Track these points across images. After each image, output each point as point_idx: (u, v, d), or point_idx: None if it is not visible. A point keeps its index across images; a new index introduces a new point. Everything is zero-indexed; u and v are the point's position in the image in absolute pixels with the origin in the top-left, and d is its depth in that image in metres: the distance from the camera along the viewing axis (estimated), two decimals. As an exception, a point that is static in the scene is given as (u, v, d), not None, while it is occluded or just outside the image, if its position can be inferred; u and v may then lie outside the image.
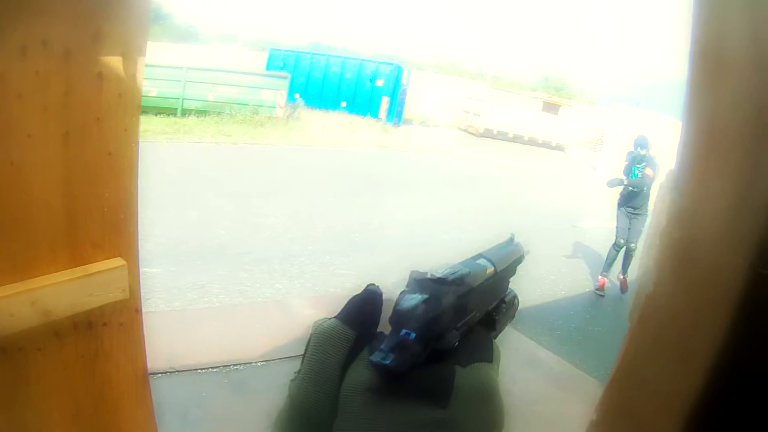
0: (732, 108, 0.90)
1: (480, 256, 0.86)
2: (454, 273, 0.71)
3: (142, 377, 1.85)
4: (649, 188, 7.30)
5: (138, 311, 1.80)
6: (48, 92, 1.44)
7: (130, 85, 1.65)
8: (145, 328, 1.84)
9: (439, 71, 38.64)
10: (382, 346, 0.69)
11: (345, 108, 22.19)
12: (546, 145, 25.10)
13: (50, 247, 1.52)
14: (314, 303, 5.64)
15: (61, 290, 1.50)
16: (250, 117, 16.34)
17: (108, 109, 1.59)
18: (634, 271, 7.57)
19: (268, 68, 22.17)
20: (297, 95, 19.79)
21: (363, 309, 0.81)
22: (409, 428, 0.68)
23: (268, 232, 7.69)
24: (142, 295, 1.83)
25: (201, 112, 15.96)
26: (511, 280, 0.95)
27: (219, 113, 16.08)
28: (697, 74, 0.97)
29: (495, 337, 0.86)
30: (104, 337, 1.69)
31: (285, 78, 18.04)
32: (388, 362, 0.67)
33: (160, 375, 3.78)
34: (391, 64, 23.29)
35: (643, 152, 7.20)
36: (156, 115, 14.24)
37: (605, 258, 7.80)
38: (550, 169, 19.34)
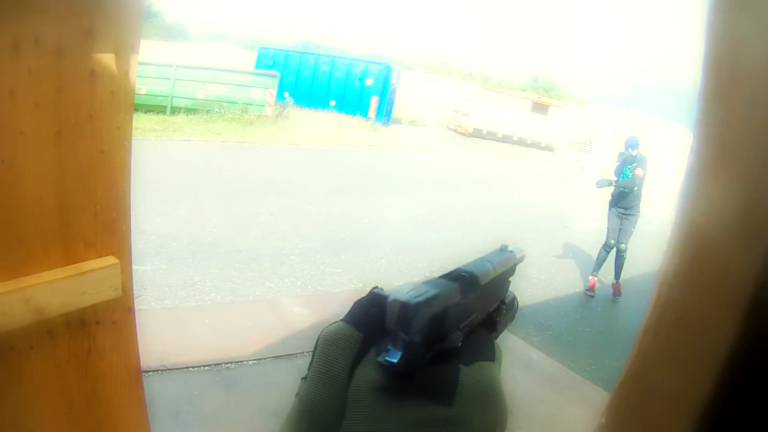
0: (745, 119, 0.91)
1: (480, 260, 0.87)
2: (455, 275, 0.73)
3: (135, 375, 1.85)
4: (640, 189, 7.32)
5: (131, 309, 1.80)
6: (40, 89, 1.43)
7: (123, 83, 1.64)
8: (137, 326, 1.83)
9: (429, 71, 38.70)
10: (390, 347, 0.70)
11: (334, 107, 22.19)
12: (535, 145, 25.22)
13: (43, 245, 1.51)
14: (305, 302, 5.64)
15: (53, 288, 1.50)
16: (239, 115, 16.28)
17: (101, 106, 1.59)
18: (626, 271, 7.62)
19: (257, 67, 22.14)
20: (286, 94, 19.76)
21: (369, 311, 0.80)
22: (417, 426, 0.69)
23: (258, 231, 7.68)
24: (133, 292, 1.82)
25: (190, 110, 15.89)
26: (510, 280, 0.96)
27: (208, 111, 16.03)
28: (710, 84, 0.97)
29: (495, 338, 0.88)
30: (97, 336, 1.68)
31: (274, 77, 17.99)
32: (395, 362, 0.68)
33: (151, 373, 3.76)
34: (381, 63, 23.32)
35: (634, 153, 7.21)
36: (145, 112, 14.16)
37: (595, 258, 7.82)
38: (540, 169, 19.42)
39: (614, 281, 7.66)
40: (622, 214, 7.46)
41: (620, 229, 7.48)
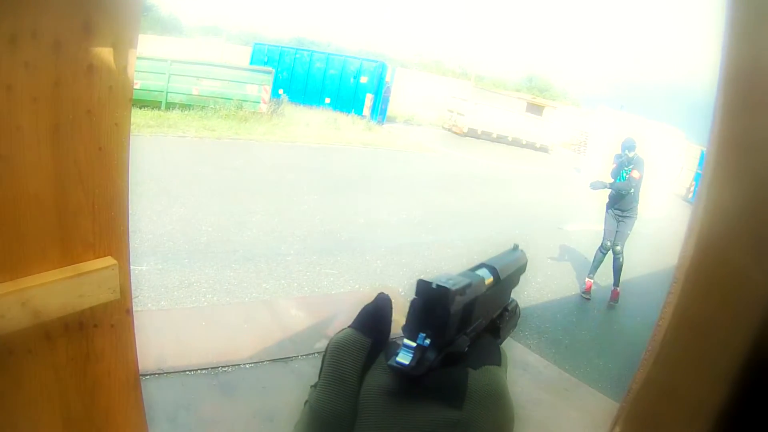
0: (762, 128, 0.89)
1: (482, 265, 0.84)
2: (459, 283, 0.70)
3: (134, 379, 1.81)
4: (637, 191, 7.29)
5: (129, 312, 1.76)
6: (38, 84, 1.39)
7: (122, 78, 1.60)
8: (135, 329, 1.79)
9: (423, 69, 38.82)
10: (399, 351, 0.70)
11: (329, 104, 22.21)
12: (530, 146, 25.30)
13: (40, 245, 1.46)
14: (302, 304, 5.62)
15: (51, 290, 1.45)
16: (234, 112, 16.26)
17: (98, 102, 1.54)
18: (625, 273, 7.62)
19: (251, 63, 22.13)
20: (281, 91, 19.74)
21: (376, 317, 0.81)
22: (427, 428, 0.69)
23: (254, 230, 7.64)
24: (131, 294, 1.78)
25: (185, 106, 15.86)
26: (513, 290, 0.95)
27: (203, 107, 16.01)
28: (727, 97, 0.95)
29: (499, 344, 0.87)
30: (95, 339, 1.64)
31: (269, 73, 17.95)
32: (406, 365, 0.68)
33: (148, 376, 3.73)
34: (376, 61, 23.38)
35: (630, 154, 7.19)
36: (140, 108, 14.13)
37: (592, 261, 7.80)
38: (534, 170, 19.46)
39: (613, 287, 7.62)
40: (619, 216, 7.44)
41: (617, 231, 7.45)
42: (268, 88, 17.58)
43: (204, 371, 4.12)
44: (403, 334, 0.70)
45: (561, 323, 6.69)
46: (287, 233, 7.80)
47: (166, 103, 15.67)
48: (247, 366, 4.32)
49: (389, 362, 0.71)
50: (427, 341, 0.69)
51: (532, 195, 14.49)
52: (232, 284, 5.85)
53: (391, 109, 24.51)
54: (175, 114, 15.24)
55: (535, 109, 27.95)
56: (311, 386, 0.83)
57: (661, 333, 1.07)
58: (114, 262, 1.64)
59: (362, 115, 21.53)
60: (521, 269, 0.95)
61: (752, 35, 0.91)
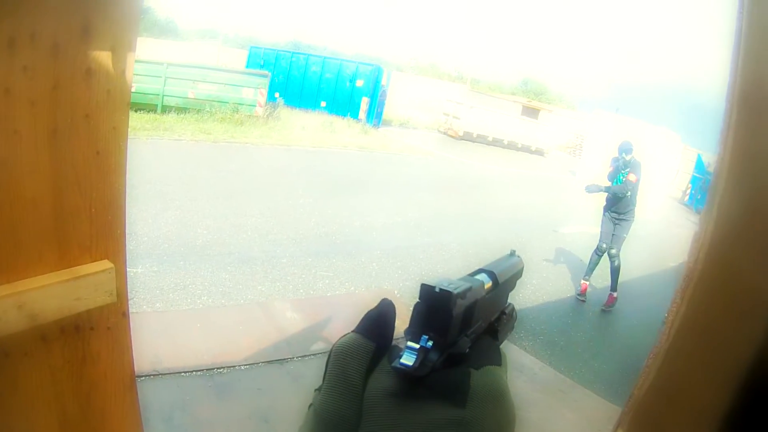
0: None
1: (481, 270, 0.87)
2: (460, 287, 0.72)
3: (130, 382, 1.81)
4: (634, 194, 7.28)
5: (125, 315, 1.76)
6: (36, 87, 1.39)
7: (120, 82, 1.60)
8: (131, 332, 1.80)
9: (419, 73, 38.90)
10: (403, 353, 0.71)
11: (325, 108, 22.22)
12: (525, 149, 25.37)
13: (37, 248, 1.46)
14: (297, 306, 5.62)
15: (48, 293, 1.45)
16: (230, 115, 16.25)
17: (96, 105, 1.54)
18: (624, 274, 7.62)
19: (248, 66, 22.14)
20: (277, 94, 19.75)
21: (379, 321, 0.83)
22: (431, 428, 0.70)
23: (249, 233, 7.64)
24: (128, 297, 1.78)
25: (181, 109, 15.84)
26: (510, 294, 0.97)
27: (199, 111, 15.99)
28: (736, 109, 0.96)
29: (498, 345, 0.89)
30: (91, 342, 1.64)
31: (265, 76, 17.94)
32: (410, 366, 0.70)
33: (144, 378, 3.72)
34: (371, 64, 23.35)
35: (627, 158, 7.18)
36: (136, 111, 14.09)
37: (587, 263, 7.81)
38: (530, 173, 19.51)
39: (610, 292, 7.60)
40: (616, 218, 7.43)
41: (613, 235, 7.45)
42: (264, 92, 17.57)
43: (199, 373, 4.12)
44: (404, 337, 0.72)
45: (556, 325, 6.71)
46: (283, 236, 7.80)
47: (162, 106, 15.64)
48: (243, 368, 4.32)
49: (393, 364, 0.72)
50: (430, 343, 0.71)
51: (528, 198, 14.52)
52: (227, 286, 5.85)
53: (387, 113, 24.55)
54: (171, 117, 15.22)
55: (531, 112, 28.05)
56: (315, 390, 0.84)
57: (667, 339, 1.08)
58: (111, 265, 1.64)
59: (358, 119, 21.56)
60: (518, 274, 0.98)
61: (762, 49, 0.92)
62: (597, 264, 7.66)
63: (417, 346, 0.71)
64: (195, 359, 4.23)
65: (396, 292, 6.40)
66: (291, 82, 22.53)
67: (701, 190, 18.99)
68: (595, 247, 7.65)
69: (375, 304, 0.84)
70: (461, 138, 24.37)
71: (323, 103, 22.46)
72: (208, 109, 16.12)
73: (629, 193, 7.20)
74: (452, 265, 7.89)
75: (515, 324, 0.96)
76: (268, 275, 6.36)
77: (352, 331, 0.83)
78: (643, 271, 9.01)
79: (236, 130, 15.42)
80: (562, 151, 27.92)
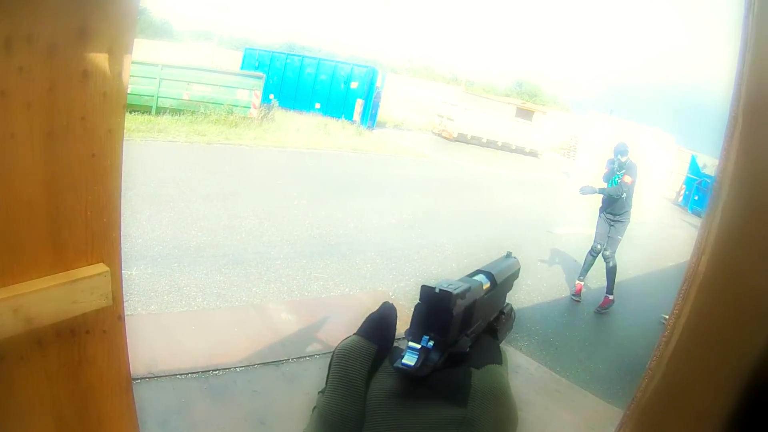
0: None
1: (479, 271, 0.89)
2: (460, 287, 0.74)
3: (126, 385, 1.80)
4: (629, 195, 7.29)
5: (121, 318, 1.75)
6: (32, 89, 1.38)
7: (116, 84, 1.59)
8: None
9: (413, 75, 38.95)
10: (405, 353, 0.72)
11: (319, 110, 22.21)
12: (519, 150, 25.41)
13: (33, 252, 1.46)
14: (291, 307, 5.61)
15: (43, 297, 1.44)
16: (224, 117, 16.22)
17: (92, 108, 1.54)
18: (618, 274, 7.63)
19: (242, 67, 22.12)
20: (272, 96, 19.72)
21: (381, 324, 0.84)
22: (433, 427, 0.71)
23: (243, 234, 7.62)
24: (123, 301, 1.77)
25: (176, 111, 15.80)
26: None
27: (193, 112, 15.96)
28: (740, 116, 0.97)
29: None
30: (87, 345, 1.63)
31: (260, 78, 17.93)
32: (412, 366, 0.71)
33: (139, 381, 3.71)
34: (366, 66, 23.35)
35: (623, 159, 7.19)
36: (131, 112, 14.05)
37: (582, 263, 7.82)
38: (524, 174, 19.54)
39: (606, 294, 7.59)
40: (611, 220, 7.43)
41: (608, 237, 7.46)
42: (259, 93, 17.57)
43: (195, 375, 4.12)
44: (406, 338, 0.73)
45: (551, 325, 6.72)
46: (277, 237, 7.79)
47: (157, 107, 15.62)
48: (238, 369, 4.32)
49: (395, 364, 0.72)
50: (431, 343, 0.72)
51: (522, 199, 14.54)
52: (222, 288, 5.84)
53: (381, 115, 24.57)
54: (165, 119, 15.19)
55: (525, 114, 28.12)
56: (319, 392, 0.84)
57: (669, 343, 1.08)
58: (106, 268, 1.63)
59: (352, 120, 21.56)
60: (515, 275, 0.99)
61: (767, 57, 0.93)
62: (592, 265, 7.67)
63: (418, 346, 0.72)
64: (190, 361, 4.22)
65: (390, 293, 6.41)
66: (285, 84, 22.52)
67: (696, 191, 19.11)
68: (590, 248, 7.67)
69: (369, 306, 0.87)
70: (455, 139, 24.40)
71: (318, 105, 22.46)
72: (203, 111, 16.09)
73: (624, 194, 7.21)
74: (446, 266, 7.91)
75: (514, 324, 0.97)
76: (262, 277, 6.35)
77: (354, 334, 0.84)
78: (638, 272, 9.05)
79: (231, 132, 15.40)
80: (556, 152, 27.98)
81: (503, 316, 0.94)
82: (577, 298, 7.69)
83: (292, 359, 4.58)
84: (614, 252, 7.45)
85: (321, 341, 4.95)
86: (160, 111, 15.59)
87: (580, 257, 8.04)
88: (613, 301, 7.54)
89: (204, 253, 6.65)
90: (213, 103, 16.43)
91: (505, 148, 25.12)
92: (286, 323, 5.20)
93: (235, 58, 24.69)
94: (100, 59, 1.52)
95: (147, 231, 6.88)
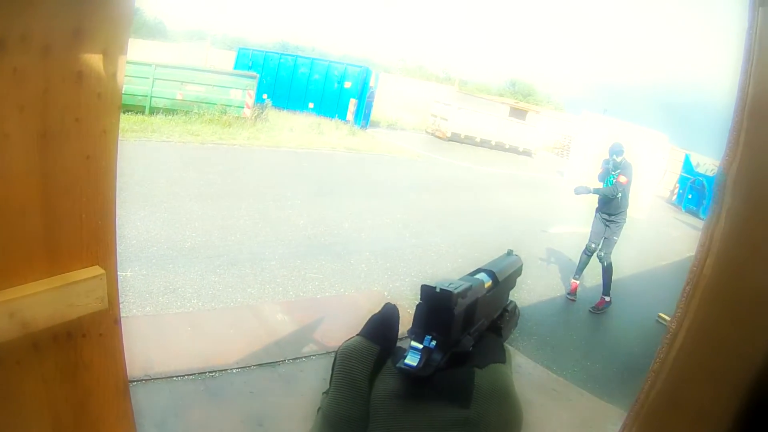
0: None
1: (480, 269, 0.90)
2: (460, 286, 0.74)
3: (123, 388, 1.79)
4: (625, 195, 7.30)
5: (117, 321, 1.74)
6: (26, 90, 1.37)
7: (110, 85, 1.58)
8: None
9: (407, 74, 38.97)
10: (407, 353, 0.73)
11: (313, 109, 22.20)
12: (513, 150, 25.47)
13: (27, 255, 1.44)
14: (287, 308, 5.60)
15: (39, 301, 1.43)
16: (218, 117, 16.17)
17: (87, 109, 1.52)
18: (614, 272, 7.64)
19: (236, 67, 22.07)
20: (265, 96, 19.68)
21: (383, 325, 0.85)
22: (437, 428, 0.71)
23: (238, 235, 7.60)
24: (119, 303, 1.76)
25: (169, 111, 15.74)
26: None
27: (187, 112, 15.90)
28: (744, 119, 0.97)
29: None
30: (84, 349, 1.62)
31: (254, 78, 17.88)
32: (414, 367, 0.71)
33: (135, 383, 3.69)
34: (360, 66, 23.34)
35: (618, 159, 7.19)
36: (124, 112, 13.96)
37: (577, 263, 7.83)
38: (518, 174, 19.59)
39: (602, 295, 7.59)
40: (607, 220, 7.44)
41: (604, 237, 7.47)
42: (252, 93, 17.52)
43: (191, 377, 4.10)
44: (409, 338, 0.73)
45: (547, 324, 6.74)
46: (271, 238, 7.77)
47: (150, 107, 15.54)
48: (235, 371, 4.30)
49: (397, 365, 0.73)
50: (433, 343, 0.72)
51: (516, 198, 14.57)
52: (217, 289, 5.82)
53: (375, 114, 24.59)
54: (159, 119, 15.12)
55: (519, 113, 28.18)
56: (323, 393, 0.85)
57: (672, 345, 1.07)
58: (102, 271, 1.62)
59: (346, 120, 21.56)
60: (517, 272, 1.00)
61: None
62: (586, 264, 7.69)
63: (420, 346, 0.72)
64: (186, 363, 4.21)
65: (386, 293, 6.40)
66: (279, 84, 22.47)
67: (690, 189, 19.19)
68: (585, 246, 7.67)
69: (365, 306, 0.87)
70: (449, 139, 24.42)
71: (311, 105, 22.45)
72: (196, 111, 16.04)
73: (620, 194, 7.21)
74: (441, 265, 7.92)
75: (518, 321, 0.99)
76: (257, 277, 6.33)
77: (357, 335, 0.85)
78: (633, 270, 9.07)
79: (224, 132, 15.36)
80: (550, 151, 28.07)
81: (507, 314, 0.95)
82: (573, 297, 7.71)
83: (288, 360, 4.57)
84: (609, 252, 7.45)
85: (317, 342, 4.94)
86: (153, 111, 15.52)
87: (575, 256, 8.06)
88: (609, 302, 7.54)
89: (198, 254, 6.63)
90: (206, 102, 16.38)
91: (499, 147, 25.17)
92: (282, 324, 5.19)
93: (229, 57, 24.63)
94: (94, 60, 1.51)
95: (141, 232, 6.85)
